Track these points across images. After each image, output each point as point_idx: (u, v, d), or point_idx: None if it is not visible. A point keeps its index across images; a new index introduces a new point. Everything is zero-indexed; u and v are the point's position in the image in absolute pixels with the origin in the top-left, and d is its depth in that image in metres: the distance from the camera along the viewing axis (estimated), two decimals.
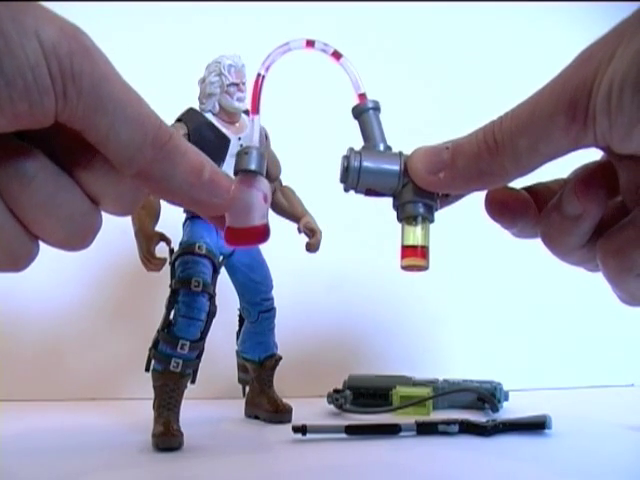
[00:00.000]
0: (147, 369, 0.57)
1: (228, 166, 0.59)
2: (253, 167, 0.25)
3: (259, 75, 0.26)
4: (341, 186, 0.26)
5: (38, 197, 0.20)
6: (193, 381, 0.58)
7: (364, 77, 0.27)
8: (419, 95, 0.91)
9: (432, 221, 0.26)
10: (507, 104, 0.23)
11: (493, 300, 0.91)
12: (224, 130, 0.59)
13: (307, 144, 0.83)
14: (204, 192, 0.22)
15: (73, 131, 0.20)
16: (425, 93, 0.92)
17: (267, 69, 0.26)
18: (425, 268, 0.26)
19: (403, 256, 0.26)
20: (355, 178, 0.25)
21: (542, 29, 0.95)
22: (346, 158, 0.26)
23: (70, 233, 0.21)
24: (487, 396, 0.68)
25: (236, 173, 0.25)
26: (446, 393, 0.70)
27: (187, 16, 0.86)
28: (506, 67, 0.92)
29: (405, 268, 0.26)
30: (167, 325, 0.57)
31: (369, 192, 0.26)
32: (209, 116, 0.60)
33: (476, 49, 0.94)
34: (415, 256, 0.26)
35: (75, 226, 0.21)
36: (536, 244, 0.28)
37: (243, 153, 0.25)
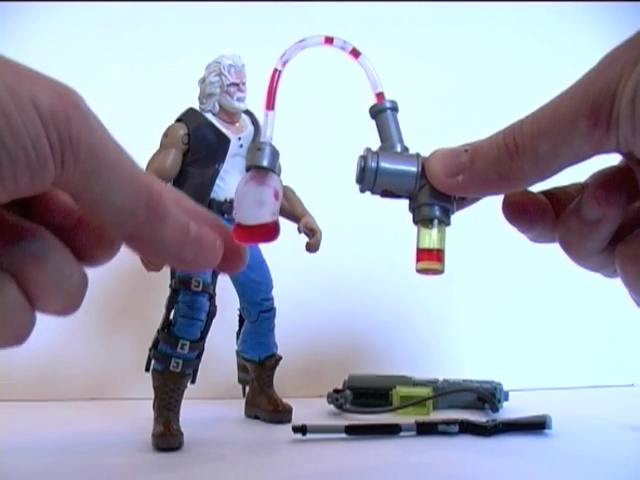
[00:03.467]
0: (147, 369, 0.57)
1: (228, 165, 0.59)
2: (265, 163, 0.24)
3: (276, 70, 0.25)
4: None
5: (52, 276, 0.20)
6: (193, 381, 0.58)
7: (381, 76, 0.26)
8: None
9: (448, 224, 0.26)
10: (528, 106, 0.23)
11: (493, 300, 0.91)
12: (224, 130, 0.59)
13: (308, 144, 0.83)
14: (191, 250, 0.22)
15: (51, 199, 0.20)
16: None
17: (284, 64, 0.25)
18: (440, 272, 0.25)
19: (418, 259, 0.25)
20: (372, 179, 0.25)
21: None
22: (363, 158, 0.25)
23: (69, 303, 0.21)
24: (487, 396, 0.68)
25: (248, 169, 0.24)
26: (446, 393, 0.70)
27: (187, 16, 0.86)
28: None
29: (420, 271, 0.26)
30: (167, 325, 0.57)
31: (385, 193, 0.26)
32: (209, 116, 0.60)
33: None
34: (431, 260, 0.25)
35: (73, 295, 0.21)
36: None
37: (256, 149, 0.24)
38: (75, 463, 0.49)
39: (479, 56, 0.93)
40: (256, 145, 0.24)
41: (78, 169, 0.18)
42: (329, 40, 0.26)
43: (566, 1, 0.91)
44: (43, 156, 0.17)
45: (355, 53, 0.26)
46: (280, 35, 0.85)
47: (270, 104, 0.25)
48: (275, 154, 0.24)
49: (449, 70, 0.93)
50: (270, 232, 0.24)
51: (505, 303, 0.91)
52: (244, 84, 0.59)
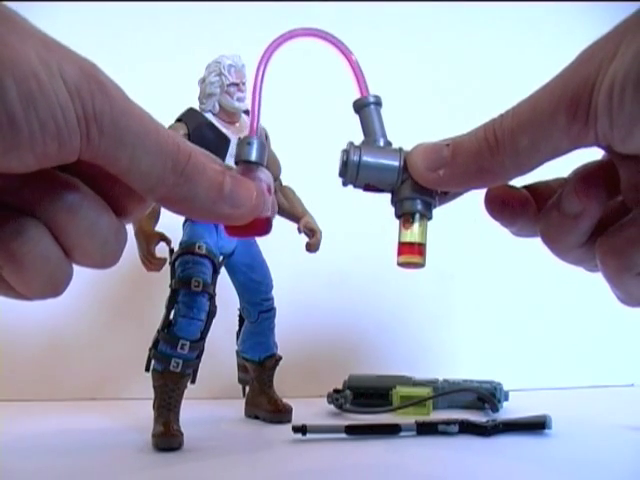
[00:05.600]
0: (147, 369, 0.57)
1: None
2: (254, 158, 0.24)
3: (256, 84, 0.25)
4: (341, 185, 0.26)
5: (83, 225, 0.21)
6: (193, 381, 0.58)
7: (365, 71, 0.26)
8: (420, 91, 0.91)
9: (430, 218, 0.26)
10: (509, 100, 0.23)
11: (493, 300, 0.91)
12: (224, 130, 0.59)
13: (307, 144, 0.83)
14: (227, 205, 0.22)
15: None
16: (426, 89, 0.92)
17: (263, 71, 0.25)
18: (421, 265, 0.26)
19: (400, 253, 0.26)
20: (354, 173, 0.25)
21: (546, 26, 0.95)
22: (345, 152, 0.25)
23: (106, 253, 0.22)
24: (487, 396, 0.68)
25: (236, 164, 0.24)
26: (446, 393, 0.70)
27: (187, 16, 0.86)
28: (508, 63, 0.92)
29: (401, 265, 0.26)
30: (167, 325, 0.57)
31: (367, 187, 0.26)
32: (209, 116, 0.60)
33: (479, 45, 0.94)
34: (412, 253, 0.25)
35: (110, 246, 0.22)
36: (536, 244, 0.28)
37: (245, 143, 0.24)
38: (75, 463, 0.49)
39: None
40: (245, 139, 0.24)
41: (103, 142, 0.19)
42: (306, 33, 0.25)
43: (565, 1, 0.91)
44: (71, 126, 0.18)
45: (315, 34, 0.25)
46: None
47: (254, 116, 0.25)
48: (263, 148, 0.25)
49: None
50: (260, 227, 0.24)
51: (505, 303, 0.91)
52: (244, 84, 0.59)
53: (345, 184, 0.26)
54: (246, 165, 0.24)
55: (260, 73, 0.25)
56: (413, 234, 0.25)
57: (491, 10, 0.94)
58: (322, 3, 0.89)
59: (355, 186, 0.26)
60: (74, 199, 0.20)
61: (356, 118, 0.27)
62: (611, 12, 0.79)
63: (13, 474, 0.46)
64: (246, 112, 0.61)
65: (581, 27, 0.88)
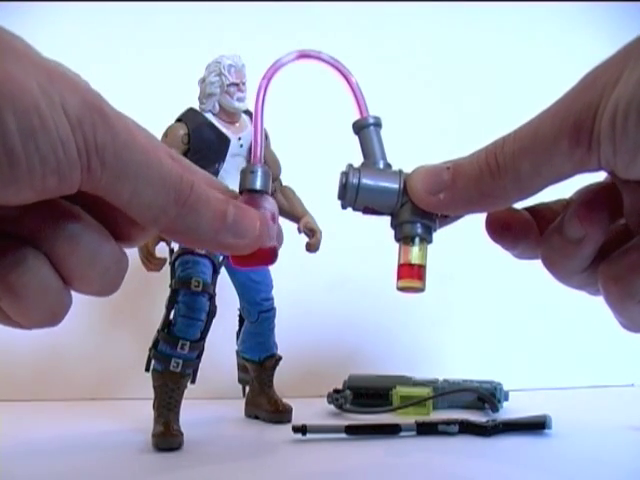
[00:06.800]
0: (147, 369, 0.57)
1: (228, 165, 0.59)
2: (258, 186, 0.24)
3: (257, 101, 0.25)
4: (340, 207, 0.26)
5: (84, 255, 0.20)
6: (193, 381, 0.58)
7: (365, 90, 0.26)
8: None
9: (430, 242, 0.25)
10: (513, 121, 0.23)
11: (493, 300, 0.91)
12: (224, 130, 0.59)
13: (307, 144, 0.83)
14: (230, 235, 0.22)
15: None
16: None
17: (265, 89, 0.25)
18: (421, 290, 0.26)
19: (399, 277, 0.26)
20: (353, 195, 0.25)
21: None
22: (344, 175, 0.25)
23: (106, 282, 0.21)
24: (487, 396, 0.68)
25: (241, 192, 0.24)
26: (446, 393, 0.70)
27: (187, 16, 0.86)
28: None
29: (401, 289, 0.26)
30: (167, 325, 0.57)
31: (367, 210, 0.26)
32: (209, 116, 0.60)
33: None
34: (412, 277, 0.25)
35: (110, 275, 0.21)
36: None
37: (249, 172, 0.24)
38: (75, 463, 0.49)
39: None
40: (249, 168, 0.24)
41: (105, 174, 0.18)
42: (304, 55, 0.25)
43: (566, 1, 0.91)
44: (72, 160, 0.18)
45: (328, 62, 0.25)
46: (280, 35, 0.85)
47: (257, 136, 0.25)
48: (267, 176, 0.24)
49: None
50: (266, 258, 0.24)
51: (505, 303, 0.91)
52: (244, 84, 0.59)
53: (344, 207, 0.26)
54: (250, 194, 0.24)
55: (260, 101, 0.25)
56: (413, 258, 0.25)
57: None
58: (322, 3, 0.89)
59: (354, 209, 0.26)
60: (75, 228, 0.20)
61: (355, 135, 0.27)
62: (611, 12, 0.79)
63: (13, 474, 0.46)
64: (246, 112, 0.61)
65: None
